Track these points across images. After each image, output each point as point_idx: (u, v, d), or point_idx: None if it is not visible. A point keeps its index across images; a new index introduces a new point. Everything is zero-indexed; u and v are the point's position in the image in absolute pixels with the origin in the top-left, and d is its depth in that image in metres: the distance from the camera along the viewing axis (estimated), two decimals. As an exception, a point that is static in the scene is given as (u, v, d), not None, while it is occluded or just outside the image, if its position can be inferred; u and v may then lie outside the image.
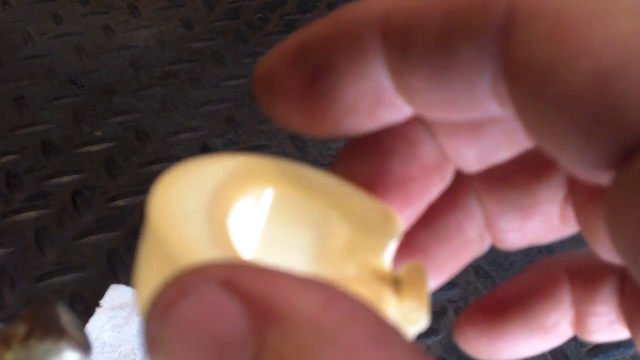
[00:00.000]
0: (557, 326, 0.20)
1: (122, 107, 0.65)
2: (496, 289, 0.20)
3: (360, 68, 0.15)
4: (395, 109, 0.16)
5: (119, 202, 0.57)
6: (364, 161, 0.18)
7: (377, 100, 0.16)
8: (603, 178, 0.13)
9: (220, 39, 0.75)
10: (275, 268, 0.12)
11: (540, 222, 0.19)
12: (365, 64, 0.15)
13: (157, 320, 0.11)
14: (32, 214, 0.56)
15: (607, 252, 0.18)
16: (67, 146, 0.62)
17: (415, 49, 0.15)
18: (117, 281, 0.52)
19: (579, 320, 0.20)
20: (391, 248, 0.16)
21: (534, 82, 0.13)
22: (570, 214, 0.19)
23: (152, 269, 0.13)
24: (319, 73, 0.16)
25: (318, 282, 0.11)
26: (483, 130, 0.17)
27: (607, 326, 0.20)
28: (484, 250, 0.20)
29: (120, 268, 0.53)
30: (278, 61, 0.17)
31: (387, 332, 0.11)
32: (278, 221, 0.16)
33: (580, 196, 0.18)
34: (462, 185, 0.20)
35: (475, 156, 0.18)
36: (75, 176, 0.59)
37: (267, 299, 0.11)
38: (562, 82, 0.12)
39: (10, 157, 0.61)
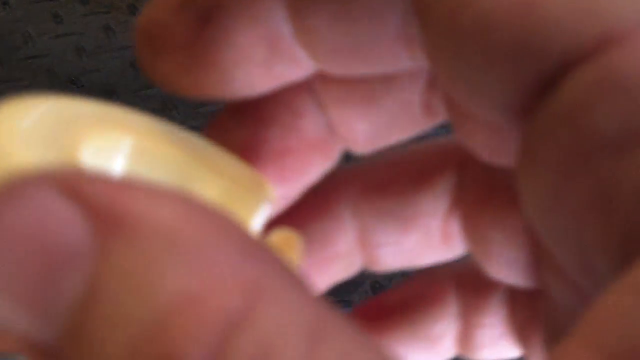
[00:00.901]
0: (442, 338, 0.18)
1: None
2: (381, 295, 0.19)
3: (256, 7, 0.14)
4: (293, 63, 0.14)
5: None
6: (240, 127, 0.16)
7: (274, 49, 0.14)
8: (518, 122, 0.12)
9: (220, 38, 0.75)
10: (126, 178, 0.10)
11: (419, 237, 0.18)
12: (261, 2, 0.14)
13: None
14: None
15: (496, 269, 0.17)
16: (67, 146, 0.62)
17: None
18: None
19: (466, 333, 0.18)
20: (261, 215, 0.15)
21: (450, 9, 0.12)
22: (453, 232, 0.18)
23: None
24: (209, 16, 0.14)
25: (176, 194, 0.09)
26: (377, 103, 0.16)
27: (495, 340, 0.18)
28: (353, 273, 0.18)
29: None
30: (162, 9, 0.15)
31: (257, 247, 0.09)
32: (135, 172, 0.15)
33: (468, 206, 0.17)
34: (337, 190, 0.18)
35: (366, 133, 0.16)
36: (76, 176, 0.59)
37: (113, 207, 0.09)
38: (481, 4, 0.11)
39: (11, 157, 0.61)
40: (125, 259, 0.09)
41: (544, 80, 0.11)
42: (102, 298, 0.09)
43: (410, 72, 0.16)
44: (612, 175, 0.10)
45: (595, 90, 0.11)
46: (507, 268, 0.16)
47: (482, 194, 0.17)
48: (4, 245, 0.09)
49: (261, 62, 0.14)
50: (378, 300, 0.19)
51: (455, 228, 0.18)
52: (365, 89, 0.16)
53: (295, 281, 0.09)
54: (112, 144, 0.14)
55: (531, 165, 0.12)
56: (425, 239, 0.17)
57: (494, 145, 0.15)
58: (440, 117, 0.17)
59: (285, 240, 0.15)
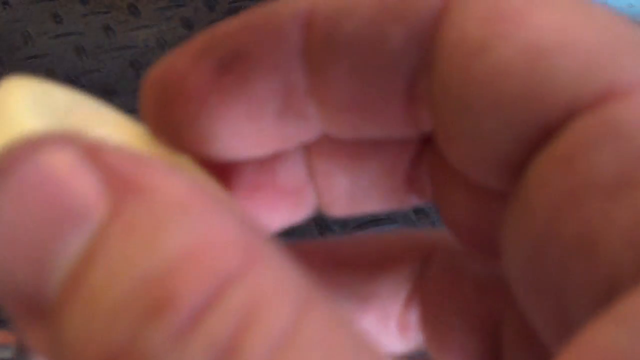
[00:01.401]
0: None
1: (122, 107, 0.65)
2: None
3: (276, 57, 0.14)
4: (302, 121, 0.14)
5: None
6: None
7: (287, 103, 0.14)
8: (511, 180, 0.12)
9: (220, 39, 0.75)
10: (142, 155, 0.10)
11: (376, 319, 0.17)
12: (282, 51, 0.14)
13: None
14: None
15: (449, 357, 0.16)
16: (67, 146, 0.62)
17: (342, 32, 0.13)
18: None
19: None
20: None
21: (465, 58, 0.12)
22: (410, 323, 0.17)
23: None
24: (229, 66, 0.14)
25: (185, 174, 0.10)
26: (362, 163, 0.16)
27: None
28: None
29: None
30: (181, 57, 0.15)
31: (255, 224, 0.10)
32: None
33: (430, 296, 0.17)
34: (300, 257, 0.17)
35: (345, 190, 0.16)
36: (75, 176, 0.59)
37: (130, 174, 0.10)
38: (495, 55, 0.12)
39: (10, 157, 0.61)
40: (135, 217, 0.09)
41: (548, 128, 0.12)
42: (104, 251, 0.09)
43: (402, 141, 0.15)
44: (602, 217, 0.10)
45: (594, 136, 0.11)
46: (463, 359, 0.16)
47: (446, 285, 0.16)
48: (15, 196, 0.10)
49: (274, 116, 0.14)
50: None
51: (413, 319, 0.17)
52: (353, 147, 0.16)
53: (287, 257, 0.10)
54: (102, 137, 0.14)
55: (520, 213, 0.12)
56: (382, 323, 0.17)
57: (474, 223, 0.15)
58: (421, 197, 0.16)
59: None
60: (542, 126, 0.12)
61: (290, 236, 0.13)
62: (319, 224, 0.56)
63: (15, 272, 0.10)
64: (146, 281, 0.09)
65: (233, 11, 0.80)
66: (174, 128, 0.15)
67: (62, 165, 0.10)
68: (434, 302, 0.17)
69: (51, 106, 0.13)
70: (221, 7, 0.81)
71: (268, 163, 0.16)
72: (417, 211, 0.58)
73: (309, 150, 0.16)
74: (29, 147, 0.10)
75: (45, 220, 0.10)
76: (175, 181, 0.10)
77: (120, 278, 0.09)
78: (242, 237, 0.09)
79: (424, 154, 0.16)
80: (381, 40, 0.13)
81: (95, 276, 0.09)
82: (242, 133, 0.14)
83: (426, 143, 0.16)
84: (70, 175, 0.10)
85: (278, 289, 0.09)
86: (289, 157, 0.16)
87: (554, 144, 0.12)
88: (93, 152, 0.10)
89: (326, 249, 0.17)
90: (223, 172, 0.16)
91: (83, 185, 0.10)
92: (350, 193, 0.16)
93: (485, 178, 0.13)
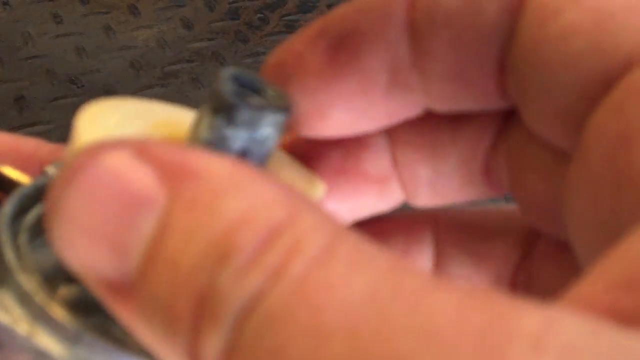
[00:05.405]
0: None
1: (123, 107, 0.65)
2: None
3: (384, 33, 0.15)
4: (408, 95, 0.16)
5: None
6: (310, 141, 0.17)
7: (394, 77, 0.15)
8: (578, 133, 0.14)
9: (220, 39, 0.76)
10: (186, 146, 0.12)
11: (488, 282, 0.19)
12: (389, 29, 0.15)
13: (61, 184, 0.12)
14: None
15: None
16: (68, 146, 0.62)
17: (442, 8, 0.15)
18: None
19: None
20: None
21: (542, 20, 0.14)
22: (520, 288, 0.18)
23: None
24: (341, 43, 0.15)
25: (226, 156, 0.12)
26: (442, 152, 0.17)
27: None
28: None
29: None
30: (297, 41, 0.16)
31: (290, 188, 0.12)
32: None
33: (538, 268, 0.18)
34: (421, 217, 0.19)
35: (427, 180, 0.17)
36: (76, 176, 0.59)
37: (180, 162, 0.12)
38: (568, 17, 0.13)
39: (11, 157, 0.61)
40: (191, 194, 0.11)
41: (608, 80, 0.13)
42: (173, 226, 0.11)
43: (483, 125, 0.17)
44: None
45: None
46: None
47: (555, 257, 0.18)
48: (88, 196, 0.12)
49: (383, 90, 0.16)
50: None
51: (522, 282, 0.18)
52: (434, 137, 0.17)
53: (321, 210, 0.11)
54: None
55: (578, 161, 0.13)
56: (495, 284, 0.18)
57: (547, 204, 0.16)
58: (497, 188, 0.17)
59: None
60: (603, 79, 0.13)
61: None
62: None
63: (99, 259, 0.12)
64: (213, 239, 0.11)
65: (232, 11, 0.80)
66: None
67: (120, 163, 0.12)
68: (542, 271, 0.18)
69: (131, 126, 0.15)
70: (221, 7, 0.81)
71: (354, 151, 0.17)
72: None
73: (392, 140, 0.17)
74: (90, 153, 0.12)
75: (116, 210, 0.12)
76: (219, 160, 0.12)
77: (193, 241, 0.11)
78: (283, 197, 0.11)
79: (501, 143, 0.17)
80: (477, 13, 0.15)
81: (170, 244, 0.11)
82: (353, 107, 0.16)
83: (504, 128, 0.17)
84: (130, 171, 0.12)
85: (315, 228, 0.11)
86: (373, 146, 0.17)
87: (609, 95, 0.13)
88: (142, 149, 0.12)
89: (450, 215, 0.19)
90: (310, 157, 0.17)
91: (141, 177, 0.12)
92: (431, 183, 0.17)
93: (555, 135, 0.14)
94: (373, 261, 0.10)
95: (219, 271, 0.11)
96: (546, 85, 0.14)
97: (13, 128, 0.64)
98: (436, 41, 0.15)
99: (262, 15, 0.80)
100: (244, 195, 0.11)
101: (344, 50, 0.15)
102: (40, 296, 0.14)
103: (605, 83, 0.13)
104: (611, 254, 0.10)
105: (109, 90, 0.68)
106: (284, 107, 0.14)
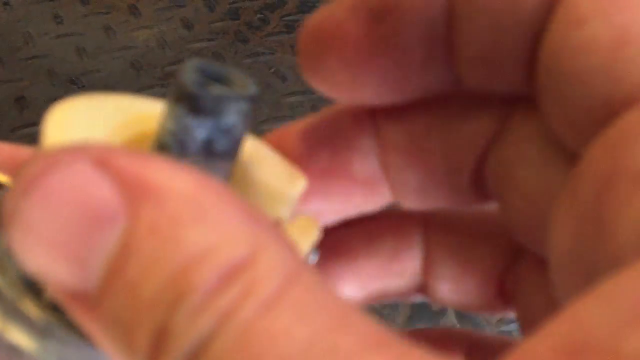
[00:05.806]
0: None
1: (123, 108, 0.65)
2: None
3: (423, 9, 0.15)
4: (441, 70, 0.16)
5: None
6: (294, 135, 0.17)
7: (430, 52, 0.15)
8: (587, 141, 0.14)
9: (220, 39, 0.76)
10: (149, 153, 0.12)
11: (476, 284, 0.19)
12: (428, 4, 0.15)
13: (19, 192, 0.11)
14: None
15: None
16: (68, 146, 0.62)
17: None
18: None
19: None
20: (289, 205, 0.16)
21: (567, 26, 0.14)
22: (509, 293, 0.18)
23: None
24: (382, 16, 0.15)
25: (189, 168, 0.12)
26: (430, 156, 0.17)
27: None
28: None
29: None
30: (336, 9, 0.16)
31: (257, 214, 0.11)
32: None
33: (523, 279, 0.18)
34: (409, 216, 0.19)
35: (416, 183, 0.17)
36: (76, 176, 0.59)
37: (141, 177, 0.11)
38: (590, 30, 0.13)
39: (11, 158, 0.61)
40: (153, 218, 0.11)
41: (614, 106, 0.13)
42: (136, 250, 0.11)
43: (471, 137, 0.17)
44: (623, 203, 0.11)
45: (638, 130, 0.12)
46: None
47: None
48: (47, 206, 0.11)
49: (419, 64, 0.16)
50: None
51: (510, 287, 0.18)
52: (424, 145, 0.17)
53: (284, 241, 0.11)
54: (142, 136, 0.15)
55: (570, 188, 0.13)
56: (482, 287, 0.18)
57: (534, 223, 0.16)
58: (487, 200, 0.18)
59: (303, 225, 0.16)
60: (608, 105, 0.13)
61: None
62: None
63: (59, 269, 0.11)
64: (172, 273, 0.11)
65: (232, 12, 0.81)
66: (328, 72, 0.16)
67: (80, 174, 0.11)
68: (528, 280, 0.18)
69: (100, 116, 0.15)
70: (221, 8, 0.81)
71: (342, 152, 0.17)
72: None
73: (382, 145, 0.17)
74: (47, 161, 0.11)
75: (75, 224, 0.11)
76: (182, 176, 0.11)
77: (154, 271, 0.11)
78: (247, 228, 0.11)
79: (491, 155, 0.17)
80: (516, 3, 0.15)
81: (131, 268, 0.11)
82: (389, 79, 0.16)
83: (496, 139, 0.17)
84: (89, 183, 0.11)
85: (272, 267, 0.11)
86: (362, 148, 0.17)
87: (606, 130, 0.13)
88: (103, 159, 0.11)
89: (440, 217, 0.19)
90: (298, 155, 0.17)
91: (101, 191, 0.11)
92: (420, 189, 0.17)
93: (564, 134, 0.14)
94: (320, 311, 0.10)
95: (175, 308, 0.11)
96: (563, 89, 0.14)
97: (13, 128, 0.64)
98: (474, 24, 0.15)
99: (262, 15, 0.80)
100: (205, 226, 0.11)
101: (383, 23, 0.15)
102: (11, 291, 0.14)
103: (609, 110, 0.13)
104: (567, 312, 0.10)
105: (109, 90, 0.68)
106: (247, 95, 0.14)
